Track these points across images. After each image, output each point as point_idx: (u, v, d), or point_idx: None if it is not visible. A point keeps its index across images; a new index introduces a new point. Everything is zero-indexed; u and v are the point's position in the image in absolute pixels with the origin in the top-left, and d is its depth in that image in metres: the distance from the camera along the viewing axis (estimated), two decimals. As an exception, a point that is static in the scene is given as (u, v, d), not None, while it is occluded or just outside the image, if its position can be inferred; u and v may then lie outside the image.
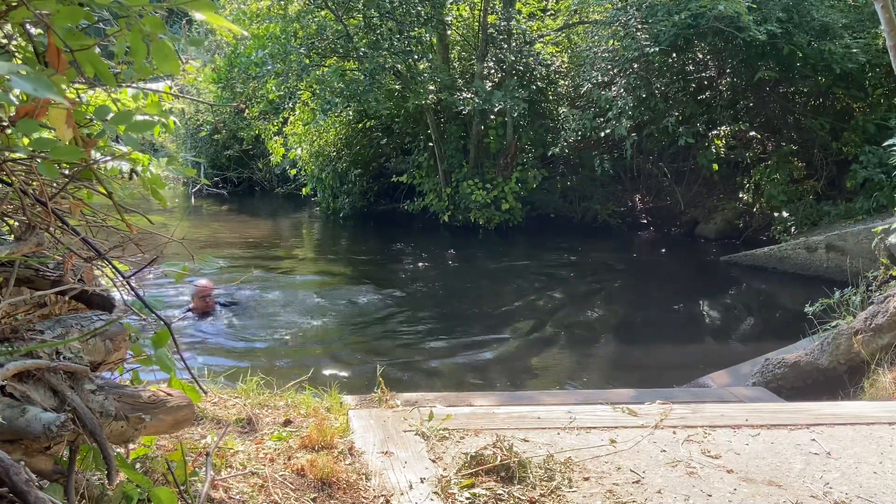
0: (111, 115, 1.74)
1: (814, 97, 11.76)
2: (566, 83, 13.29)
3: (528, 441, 3.06)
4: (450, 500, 2.51)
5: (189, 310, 7.02)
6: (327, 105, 11.49)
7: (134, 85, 2.21)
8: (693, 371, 5.92)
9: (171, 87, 2.45)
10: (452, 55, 13.19)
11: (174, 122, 2.39)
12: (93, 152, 2.00)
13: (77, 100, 2.14)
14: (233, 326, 7.13)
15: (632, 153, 11.76)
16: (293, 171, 14.77)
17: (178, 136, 17.15)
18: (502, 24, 12.23)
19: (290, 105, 13.03)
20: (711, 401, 4.32)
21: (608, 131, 11.34)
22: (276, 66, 11.72)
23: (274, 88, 12.38)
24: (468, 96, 11.65)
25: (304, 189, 14.50)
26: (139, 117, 1.81)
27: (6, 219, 1.95)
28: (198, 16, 1.54)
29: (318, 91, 11.79)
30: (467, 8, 12.87)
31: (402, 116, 13.18)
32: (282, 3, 12.13)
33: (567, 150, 12.49)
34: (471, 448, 2.85)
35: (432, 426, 3.10)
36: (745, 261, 10.22)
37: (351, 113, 13.08)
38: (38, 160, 1.65)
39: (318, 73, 11.70)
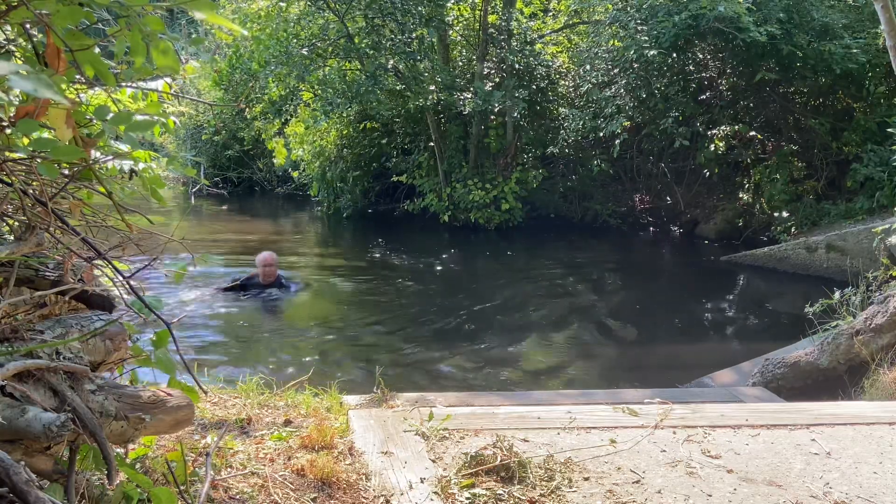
0: (111, 115, 1.74)
1: (814, 97, 11.76)
2: (566, 83, 13.30)
3: (528, 441, 3.06)
4: (450, 500, 2.51)
5: (248, 278, 7.85)
6: (329, 106, 11.49)
7: (133, 85, 2.21)
8: (693, 371, 5.92)
9: (170, 87, 2.44)
10: (453, 55, 13.19)
11: (174, 123, 2.39)
12: (93, 152, 2.00)
13: (77, 100, 2.14)
14: (269, 311, 7.55)
15: (629, 153, 11.75)
16: (296, 174, 14.79)
17: (178, 137, 17.15)
18: (503, 24, 12.23)
19: (293, 105, 13.04)
20: (711, 401, 4.32)
21: (606, 131, 11.35)
22: (278, 68, 11.73)
23: (274, 87, 12.38)
24: (468, 96, 11.65)
25: (311, 190, 14.52)
26: (139, 117, 1.81)
27: (6, 219, 1.95)
28: (198, 15, 1.54)
29: (319, 92, 11.80)
30: (468, 8, 12.87)
31: (402, 117, 13.19)
32: (283, 3, 12.14)
33: (566, 150, 12.50)
34: (471, 448, 2.85)
35: (432, 426, 3.10)
36: (745, 261, 10.21)
37: (352, 113, 13.09)
38: (38, 160, 1.65)
39: (318, 74, 11.70)
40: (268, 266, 7.71)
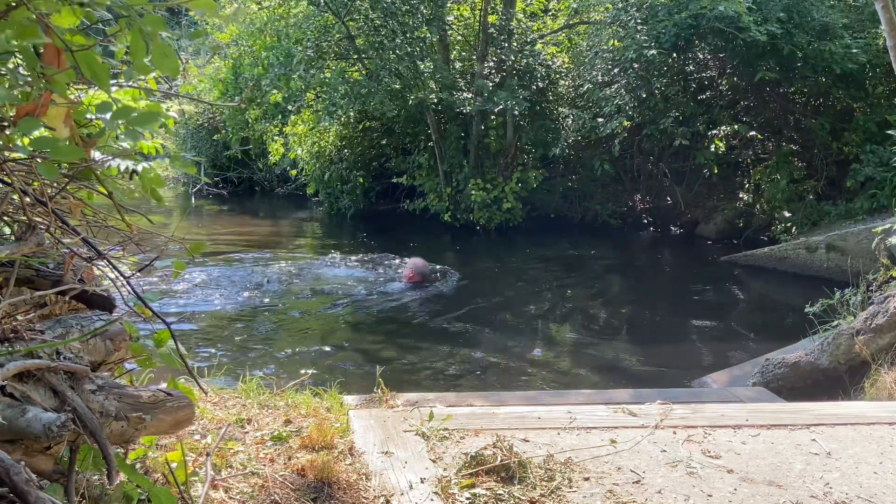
0: (110, 113, 1.73)
1: (814, 97, 11.76)
2: (566, 83, 13.29)
3: (528, 441, 3.06)
4: (450, 500, 2.51)
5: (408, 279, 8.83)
6: (332, 107, 11.50)
7: (132, 84, 2.21)
8: (693, 371, 5.92)
9: (163, 84, 2.44)
10: (453, 55, 13.20)
11: (174, 121, 2.38)
12: (93, 152, 2.00)
13: (77, 99, 2.14)
14: (272, 311, 7.86)
15: (630, 152, 11.73)
16: (294, 172, 14.78)
17: (179, 136, 17.14)
18: (503, 23, 12.24)
19: (295, 107, 13.04)
20: (711, 401, 4.32)
21: (608, 131, 11.36)
22: (280, 71, 11.74)
23: (276, 91, 12.39)
24: (469, 96, 11.65)
25: (308, 189, 14.52)
26: (139, 113, 1.81)
27: (6, 219, 1.95)
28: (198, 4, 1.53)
29: (321, 94, 11.80)
30: (468, 8, 12.87)
31: (402, 117, 13.19)
32: (286, 4, 12.16)
33: (567, 151, 12.50)
34: (471, 448, 2.85)
35: (432, 426, 3.10)
36: (745, 261, 10.21)
37: (352, 113, 13.09)
38: (39, 160, 1.65)
39: (320, 75, 11.71)
40: (407, 269, 8.92)
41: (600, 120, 11.65)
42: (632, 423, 3.31)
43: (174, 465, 2.10)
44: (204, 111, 16.64)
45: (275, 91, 12.43)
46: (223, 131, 16.64)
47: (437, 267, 9.62)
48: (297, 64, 11.64)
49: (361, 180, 13.93)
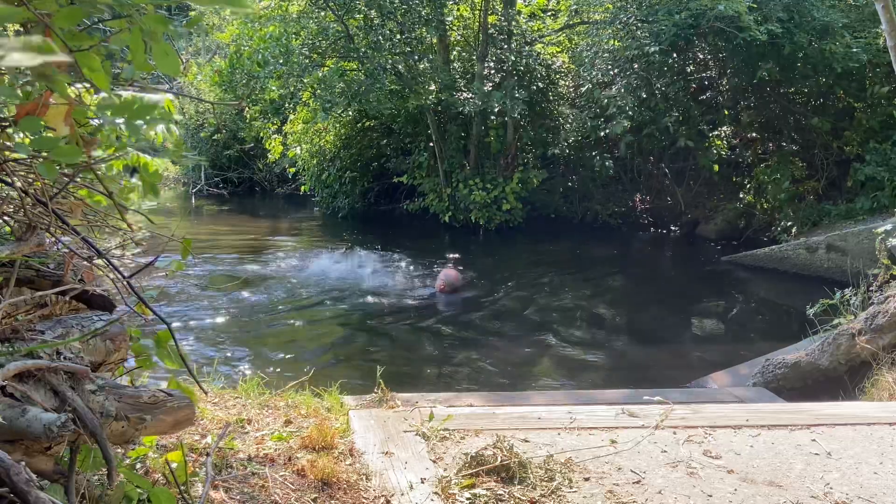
0: (110, 110, 1.73)
1: (815, 97, 11.76)
2: (566, 83, 13.29)
3: (528, 441, 3.06)
4: (450, 500, 2.51)
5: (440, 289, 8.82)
6: (328, 104, 11.48)
7: (134, 88, 2.21)
8: (693, 371, 5.92)
9: (171, 87, 2.44)
10: (453, 55, 13.19)
11: (173, 107, 2.37)
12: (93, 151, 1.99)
13: (76, 99, 2.14)
14: (273, 312, 7.82)
15: (630, 152, 11.72)
16: (292, 170, 14.79)
17: (178, 136, 17.10)
18: (503, 24, 12.23)
19: (291, 105, 13.02)
20: (712, 401, 4.32)
21: (608, 131, 11.36)
22: (278, 67, 11.73)
23: (275, 88, 12.37)
24: (468, 97, 11.65)
25: (303, 187, 14.50)
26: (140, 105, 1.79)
27: (6, 219, 1.95)
28: None
29: (319, 92, 11.79)
30: (468, 8, 12.87)
31: (402, 116, 13.19)
32: (283, 2, 12.15)
33: (567, 151, 12.49)
34: (471, 448, 2.84)
35: (433, 426, 3.10)
36: (745, 261, 10.21)
37: (350, 112, 13.07)
38: (39, 160, 1.65)
39: (318, 73, 11.70)
40: (440, 281, 8.92)
41: (600, 121, 11.66)
42: (632, 424, 3.31)
43: (174, 465, 2.10)
44: (204, 111, 16.64)
45: (273, 89, 12.41)
46: (212, 119, 16.60)
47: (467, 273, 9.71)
48: (293, 65, 11.63)
49: (359, 180, 13.92)
